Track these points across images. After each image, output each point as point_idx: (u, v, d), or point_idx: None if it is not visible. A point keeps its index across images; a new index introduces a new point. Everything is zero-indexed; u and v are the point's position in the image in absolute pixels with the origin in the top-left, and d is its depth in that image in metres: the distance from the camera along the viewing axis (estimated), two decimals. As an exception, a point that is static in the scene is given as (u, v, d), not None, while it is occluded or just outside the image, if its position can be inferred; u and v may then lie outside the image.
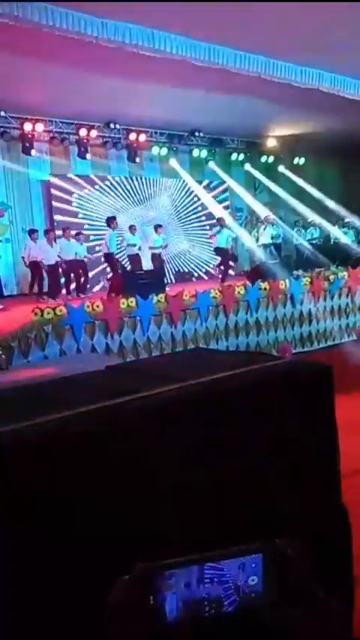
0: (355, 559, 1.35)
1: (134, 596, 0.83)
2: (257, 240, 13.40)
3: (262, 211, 15.10)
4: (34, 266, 10.85)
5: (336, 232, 14.52)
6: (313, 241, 14.13)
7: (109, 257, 11.58)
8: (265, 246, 13.01)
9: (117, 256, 12.02)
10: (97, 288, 12.69)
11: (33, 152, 12.33)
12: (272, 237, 13.14)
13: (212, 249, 13.50)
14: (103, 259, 12.00)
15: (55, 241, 10.95)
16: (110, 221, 11.66)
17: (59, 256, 10.90)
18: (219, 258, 13.00)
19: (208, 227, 14.89)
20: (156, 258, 12.37)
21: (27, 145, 12.20)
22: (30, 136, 12.20)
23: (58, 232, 11.65)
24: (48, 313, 7.31)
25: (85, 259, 11.61)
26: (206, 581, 0.86)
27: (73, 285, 11.46)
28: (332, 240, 14.47)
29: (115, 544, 0.96)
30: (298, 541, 0.96)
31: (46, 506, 0.88)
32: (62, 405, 1.03)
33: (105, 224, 11.92)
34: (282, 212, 15.75)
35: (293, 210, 15.65)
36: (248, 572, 0.88)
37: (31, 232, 11.08)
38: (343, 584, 1.33)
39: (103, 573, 0.85)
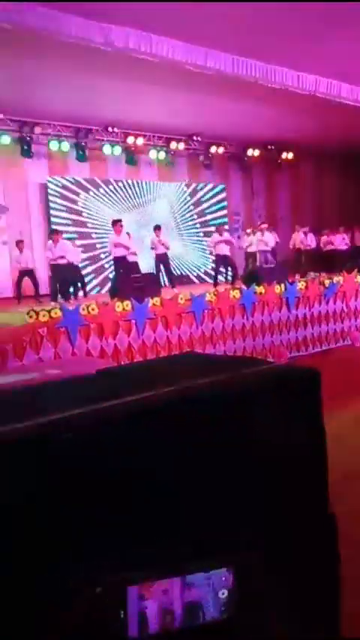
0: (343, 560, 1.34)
1: (102, 610, 0.82)
2: (253, 244, 13.41)
3: (260, 216, 15.10)
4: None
5: (326, 238, 14.64)
6: (308, 246, 14.18)
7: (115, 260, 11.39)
8: (262, 251, 13.01)
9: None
10: (97, 291, 12.64)
11: (31, 154, 12.33)
12: (267, 243, 13.16)
13: (208, 253, 13.44)
14: (106, 262, 11.80)
15: (55, 244, 10.92)
16: (114, 224, 11.44)
17: (54, 259, 10.87)
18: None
19: (202, 233, 14.87)
20: (160, 260, 12.14)
21: (25, 147, 12.20)
22: (28, 138, 12.19)
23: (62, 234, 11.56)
24: (43, 316, 7.27)
25: (79, 262, 11.55)
26: (175, 595, 0.84)
27: (71, 289, 11.39)
28: (324, 246, 14.57)
29: (85, 555, 0.93)
30: (275, 552, 0.94)
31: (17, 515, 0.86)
32: (42, 411, 1.00)
33: (110, 227, 11.72)
34: (279, 217, 15.77)
35: (290, 215, 15.66)
36: (218, 585, 0.86)
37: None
38: (329, 595, 1.30)
39: (69, 585, 0.83)
